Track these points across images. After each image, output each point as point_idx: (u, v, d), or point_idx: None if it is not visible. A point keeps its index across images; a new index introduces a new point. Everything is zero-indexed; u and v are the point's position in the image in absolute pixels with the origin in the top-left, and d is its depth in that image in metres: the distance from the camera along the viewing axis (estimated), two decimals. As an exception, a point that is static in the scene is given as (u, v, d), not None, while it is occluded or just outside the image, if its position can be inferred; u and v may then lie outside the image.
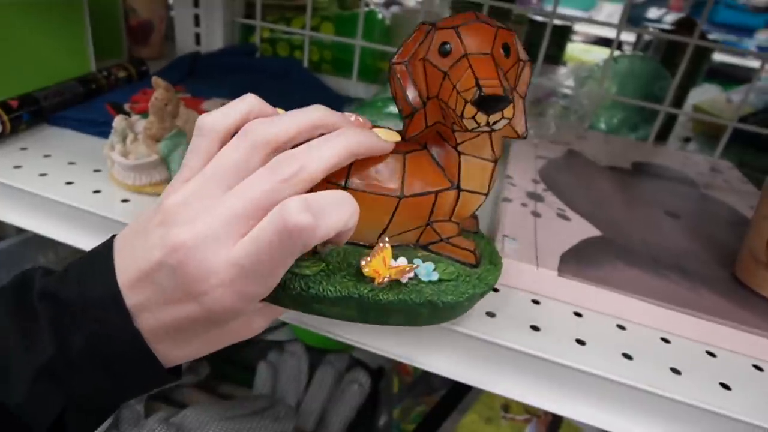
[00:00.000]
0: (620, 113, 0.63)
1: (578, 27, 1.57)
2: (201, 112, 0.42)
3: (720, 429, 0.26)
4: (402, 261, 0.25)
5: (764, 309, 0.31)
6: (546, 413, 0.49)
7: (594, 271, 0.31)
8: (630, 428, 0.27)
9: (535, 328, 0.28)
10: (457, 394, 0.50)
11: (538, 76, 0.55)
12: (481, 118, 0.22)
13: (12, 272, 0.58)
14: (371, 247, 0.25)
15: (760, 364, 0.29)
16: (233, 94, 0.59)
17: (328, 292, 0.23)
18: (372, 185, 0.24)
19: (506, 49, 0.24)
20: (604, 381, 0.26)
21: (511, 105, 0.22)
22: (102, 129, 0.46)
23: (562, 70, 0.56)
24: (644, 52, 0.70)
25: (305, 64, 0.65)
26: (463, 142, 0.25)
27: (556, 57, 0.73)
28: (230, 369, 0.54)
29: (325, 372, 0.49)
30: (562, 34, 0.73)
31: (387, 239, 0.25)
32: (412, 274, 0.24)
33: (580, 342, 0.28)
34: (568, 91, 0.52)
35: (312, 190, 0.21)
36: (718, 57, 1.24)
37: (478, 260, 0.27)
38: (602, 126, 0.62)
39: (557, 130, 0.53)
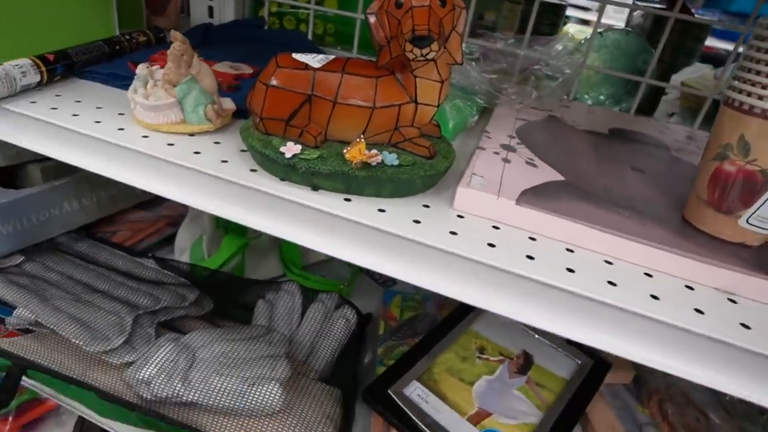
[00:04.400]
0: (608, 89, 0.66)
1: (583, 15, 1.59)
2: (213, 71, 0.46)
3: (647, 330, 0.30)
4: (374, 152, 0.34)
5: (703, 241, 0.34)
6: (518, 356, 0.54)
7: (550, 203, 0.35)
8: (564, 330, 0.31)
9: (491, 245, 0.33)
10: (436, 336, 0.54)
11: (525, 49, 0.59)
12: (416, 51, 0.31)
13: (39, 217, 0.64)
14: None
15: (691, 284, 0.32)
16: (242, 60, 0.65)
17: (323, 169, 0.34)
18: (353, 100, 0.35)
19: (443, 0, 0.32)
20: (546, 287, 0.30)
21: (435, 42, 0.31)
22: (125, 82, 0.51)
23: (551, 42, 0.59)
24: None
25: (309, 36, 0.70)
26: (417, 68, 0.34)
27: (550, 35, 0.76)
28: (231, 308, 0.59)
29: (317, 309, 0.54)
30: (556, 12, 0.76)
31: (362, 136, 0.35)
32: (379, 159, 0.34)
33: (530, 257, 0.32)
34: (552, 61, 0.56)
35: (317, 109, 0.35)
36: (724, 45, 1.25)
37: (433, 154, 0.37)
38: (588, 102, 0.65)
39: (542, 99, 0.57)
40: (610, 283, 0.31)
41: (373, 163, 0.34)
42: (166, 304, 0.53)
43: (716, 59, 1.00)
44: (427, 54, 0.31)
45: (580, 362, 0.53)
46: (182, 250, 0.68)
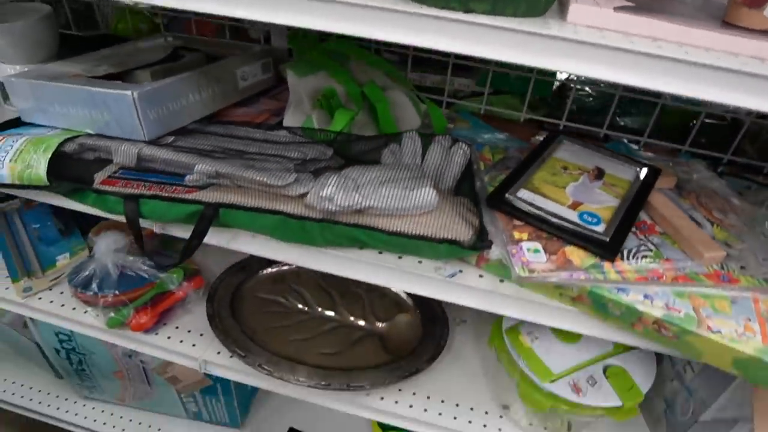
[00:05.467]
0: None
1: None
2: None
3: (713, 75, 0.44)
4: None
5: (740, 30, 0.49)
6: (593, 170, 0.69)
7: (636, 11, 0.49)
8: (655, 83, 0.46)
9: (602, 36, 0.47)
10: (527, 164, 0.70)
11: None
12: None
13: (174, 105, 0.75)
14: None
15: (735, 53, 0.47)
16: None
17: None
18: None
19: None
20: (645, 56, 0.45)
21: None
22: None
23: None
24: None
25: None
26: None
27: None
28: (357, 164, 0.73)
29: (436, 147, 0.68)
30: None
31: None
32: None
33: (630, 41, 0.46)
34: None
35: None
36: None
37: None
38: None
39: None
40: (685, 51, 0.46)
41: None
42: (313, 156, 0.67)
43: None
44: None
45: (638, 169, 0.69)
46: (293, 133, 0.81)
